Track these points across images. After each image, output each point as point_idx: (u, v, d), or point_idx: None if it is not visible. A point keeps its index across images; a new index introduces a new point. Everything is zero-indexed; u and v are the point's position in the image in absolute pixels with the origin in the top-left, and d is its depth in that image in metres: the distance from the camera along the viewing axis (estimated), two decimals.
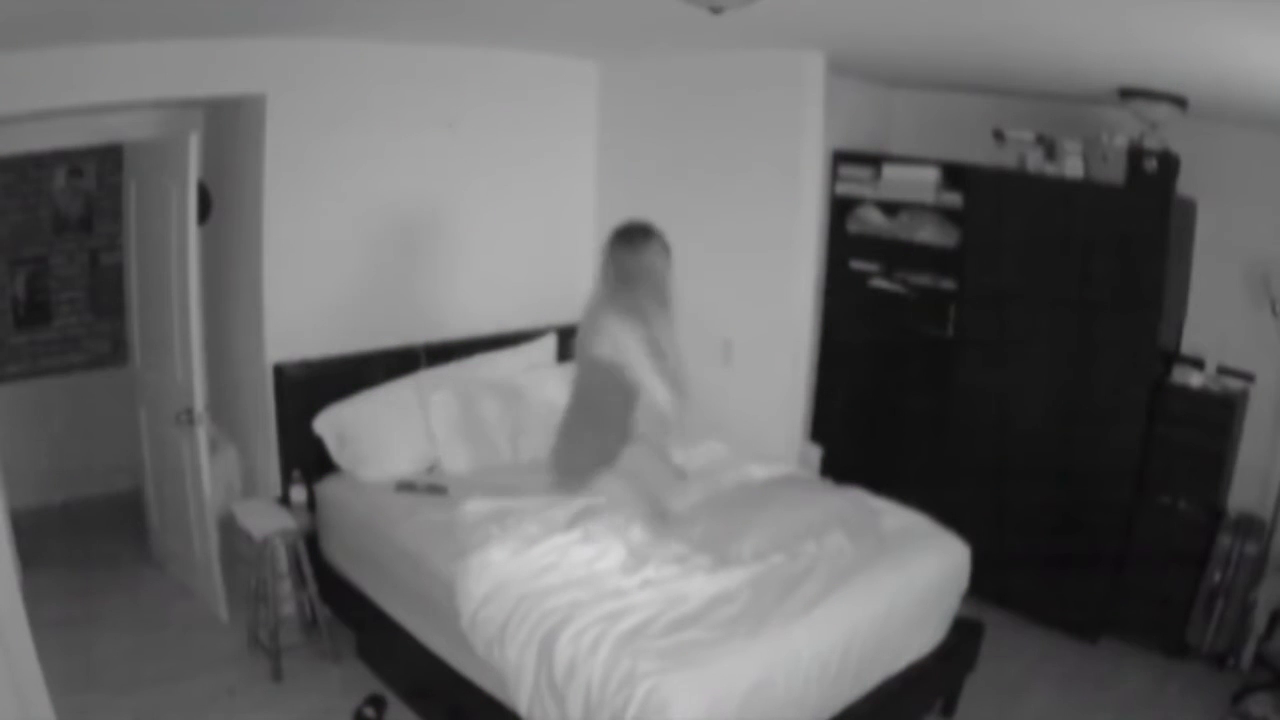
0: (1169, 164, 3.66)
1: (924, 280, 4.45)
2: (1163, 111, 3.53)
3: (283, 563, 3.51)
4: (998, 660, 3.58)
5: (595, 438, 3.17)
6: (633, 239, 3.12)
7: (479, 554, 2.86)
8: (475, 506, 3.19)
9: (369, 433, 3.65)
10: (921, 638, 3.04)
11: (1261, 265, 3.81)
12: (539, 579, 2.76)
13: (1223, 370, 3.89)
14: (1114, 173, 3.74)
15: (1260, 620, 3.70)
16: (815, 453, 4.44)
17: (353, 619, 3.54)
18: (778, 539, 2.96)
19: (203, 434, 3.63)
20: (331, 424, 3.68)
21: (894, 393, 4.62)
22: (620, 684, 2.37)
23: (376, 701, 3.20)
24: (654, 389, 3.05)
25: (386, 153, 3.87)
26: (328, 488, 3.65)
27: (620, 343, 3.03)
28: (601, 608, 2.61)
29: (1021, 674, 3.71)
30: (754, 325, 4.10)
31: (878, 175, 4.50)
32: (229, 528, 3.67)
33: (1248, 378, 3.89)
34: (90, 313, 5.04)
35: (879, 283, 4.61)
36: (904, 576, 2.96)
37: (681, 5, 2.34)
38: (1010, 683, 3.63)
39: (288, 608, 3.61)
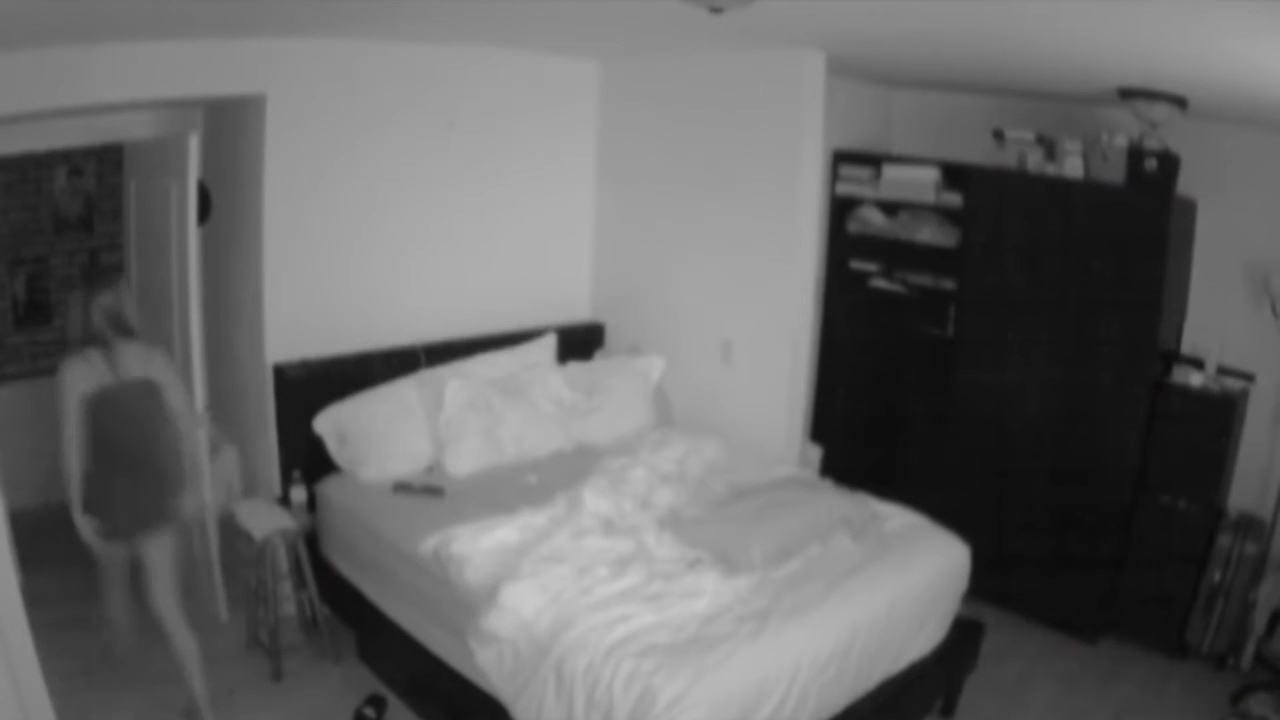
0: (1169, 164, 3.66)
1: (924, 280, 4.45)
2: (1163, 111, 3.53)
3: (283, 563, 3.51)
4: (998, 660, 3.59)
5: None
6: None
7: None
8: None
9: (368, 433, 3.64)
10: (921, 638, 3.05)
11: (1261, 265, 3.82)
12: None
13: (1223, 370, 3.89)
14: (1114, 173, 3.74)
15: (1260, 620, 3.70)
16: (815, 453, 4.44)
17: (352, 619, 3.55)
18: (786, 544, 2.96)
19: (203, 434, 3.63)
20: (331, 423, 3.68)
21: (894, 393, 4.62)
22: (623, 684, 2.37)
23: (376, 701, 3.21)
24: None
25: (386, 152, 3.88)
26: (328, 488, 3.65)
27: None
28: (608, 613, 2.61)
29: (1021, 674, 3.71)
30: (754, 325, 4.10)
31: (878, 175, 4.50)
32: (229, 528, 3.67)
33: (1248, 378, 3.89)
34: None
35: (879, 283, 4.61)
36: (904, 576, 2.96)
37: (681, 5, 2.35)
38: (1010, 683, 3.63)
39: (288, 608, 3.62)
